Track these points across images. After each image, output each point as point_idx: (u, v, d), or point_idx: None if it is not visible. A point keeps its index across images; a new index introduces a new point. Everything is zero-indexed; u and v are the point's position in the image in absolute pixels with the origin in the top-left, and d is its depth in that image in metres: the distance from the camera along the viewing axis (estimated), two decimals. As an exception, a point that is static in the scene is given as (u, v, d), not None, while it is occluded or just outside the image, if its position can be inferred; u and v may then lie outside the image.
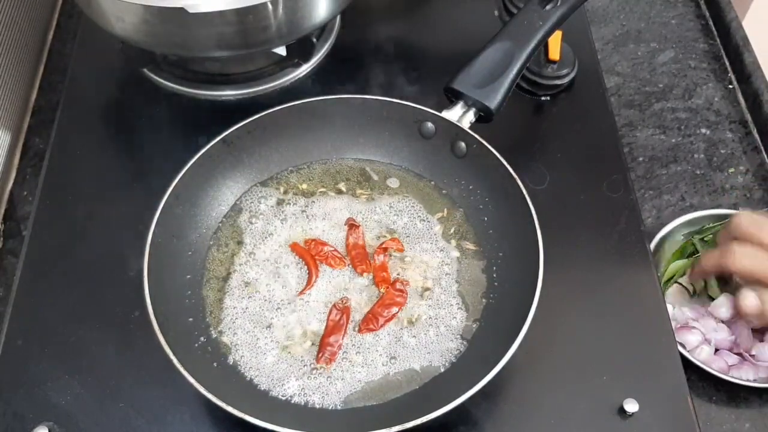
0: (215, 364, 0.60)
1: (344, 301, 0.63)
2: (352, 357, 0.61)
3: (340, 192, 0.71)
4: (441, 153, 0.70)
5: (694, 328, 0.69)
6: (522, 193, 0.62)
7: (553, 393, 0.61)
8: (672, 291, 0.73)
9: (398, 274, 0.65)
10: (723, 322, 0.70)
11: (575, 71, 0.79)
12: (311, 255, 0.66)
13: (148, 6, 0.65)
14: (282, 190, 0.71)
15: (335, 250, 0.66)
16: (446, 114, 0.67)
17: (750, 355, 0.68)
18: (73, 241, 0.69)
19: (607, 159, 0.75)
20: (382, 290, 0.64)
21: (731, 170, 0.84)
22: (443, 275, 0.65)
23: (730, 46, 0.93)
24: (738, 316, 0.68)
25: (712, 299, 0.71)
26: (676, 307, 0.71)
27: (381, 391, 0.59)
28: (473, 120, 0.68)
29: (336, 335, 0.61)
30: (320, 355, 0.60)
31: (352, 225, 0.68)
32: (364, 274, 0.65)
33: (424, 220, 0.69)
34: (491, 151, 0.65)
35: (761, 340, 0.69)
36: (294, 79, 0.82)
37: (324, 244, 0.66)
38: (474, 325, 0.63)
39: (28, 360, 0.62)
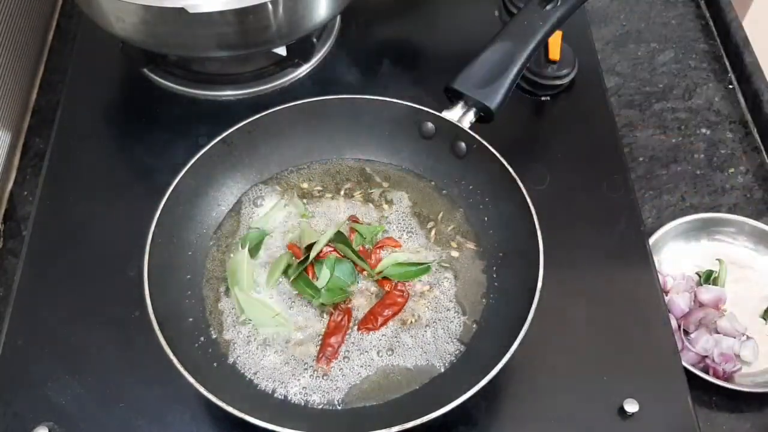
0: (215, 364, 0.60)
1: (346, 302, 0.63)
2: (352, 357, 0.61)
3: (340, 192, 0.71)
4: (441, 153, 0.69)
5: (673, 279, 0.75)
6: (522, 193, 0.62)
7: (552, 393, 0.61)
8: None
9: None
10: (697, 301, 0.73)
11: (575, 71, 0.79)
12: (311, 255, 0.66)
13: (148, 6, 0.65)
14: (282, 190, 0.71)
15: (335, 250, 0.66)
16: (446, 114, 0.67)
17: (686, 336, 0.71)
18: (73, 241, 0.69)
19: (607, 159, 0.75)
20: (387, 289, 0.64)
21: (731, 170, 0.84)
22: (443, 276, 0.65)
23: (730, 46, 0.93)
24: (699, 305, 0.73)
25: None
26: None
27: (381, 391, 0.59)
28: (473, 120, 0.68)
29: (337, 336, 0.61)
30: (320, 355, 0.60)
31: (354, 222, 0.68)
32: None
33: (424, 220, 0.69)
34: (491, 151, 0.65)
35: (716, 332, 0.71)
36: (294, 79, 0.82)
37: (324, 244, 0.66)
38: (474, 326, 0.62)
39: (28, 360, 0.62)
